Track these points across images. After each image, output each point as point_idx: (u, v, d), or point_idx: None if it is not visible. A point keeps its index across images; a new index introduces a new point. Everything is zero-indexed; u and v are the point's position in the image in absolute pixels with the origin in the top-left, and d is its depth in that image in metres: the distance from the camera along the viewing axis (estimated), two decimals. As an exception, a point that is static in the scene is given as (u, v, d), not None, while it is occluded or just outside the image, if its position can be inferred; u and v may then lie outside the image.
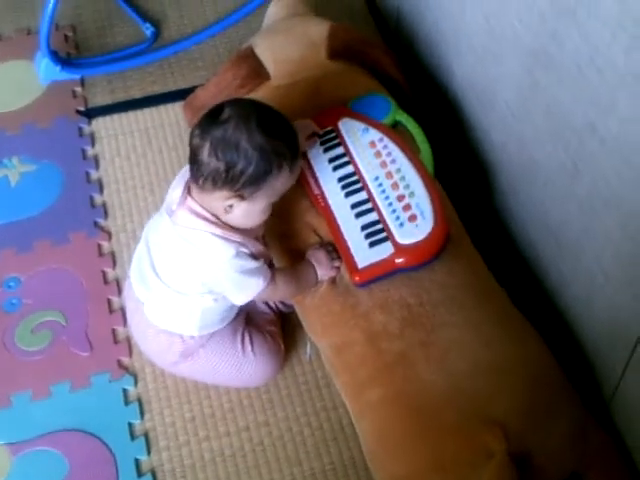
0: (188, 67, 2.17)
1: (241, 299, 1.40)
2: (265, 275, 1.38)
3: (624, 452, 1.41)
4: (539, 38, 1.39)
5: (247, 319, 1.58)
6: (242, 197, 1.33)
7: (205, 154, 1.31)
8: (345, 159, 1.53)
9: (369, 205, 1.46)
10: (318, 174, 1.52)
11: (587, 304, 1.42)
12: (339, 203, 1.47)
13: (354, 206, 1.46)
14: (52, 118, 2.04)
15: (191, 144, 1.34)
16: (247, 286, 1.38)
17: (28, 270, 1.76)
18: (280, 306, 1.65)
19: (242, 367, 1.53)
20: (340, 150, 1.54)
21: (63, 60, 2.08)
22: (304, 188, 1.51)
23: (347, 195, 1.48)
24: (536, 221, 1.56)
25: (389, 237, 1.42)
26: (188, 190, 1.39)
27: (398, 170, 1.49)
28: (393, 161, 1.50)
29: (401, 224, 1.42)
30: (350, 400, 1.44)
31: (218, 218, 1.36)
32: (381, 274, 1.40)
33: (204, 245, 1.36)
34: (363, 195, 1.47)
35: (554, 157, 1.42)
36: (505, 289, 1.47)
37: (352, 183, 1.49)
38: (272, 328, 1.61)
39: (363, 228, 1.44)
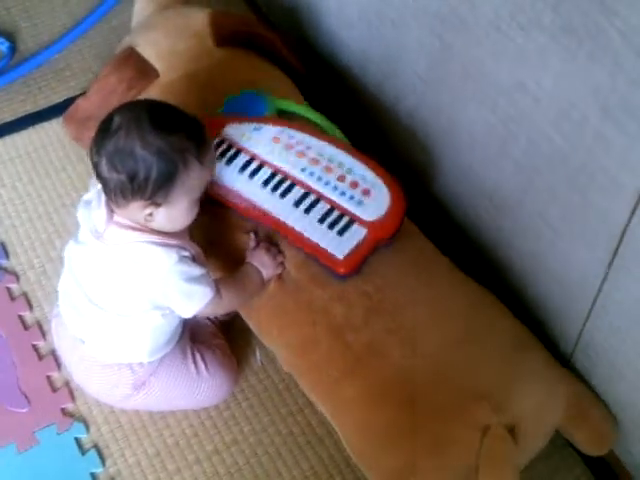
0: (56, 79, 2.02)
1: (190, 310, 1.32)
2: (211, 285, 1.31)
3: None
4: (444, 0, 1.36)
5: (192, 337, 1.50)
6: (157, 204, 1.25)
7: (105, 170, 1.24)
8: (256, 163, 1.45)
9: (313, 197, 1.40)
10: (236, 187, 1.43)
11: (537, 259, 1.43)
12: (278, 206, 1.40)
13: (297, 204, 1.40)
14: None
15: (91, 161, 1.27)
16: (194, 295, 1.30)
17: None
18: (220, 316, 1.58)
19: (198, 388, 1.46)
20: (244, 157, 1.45)
21: None
22: (227, 208, 1.43)
23: (282, 196, 1.41)
24: (465, 184, 1.55)
25: (354, 219, 1.37)
26: (110, 208, 1.30)
27: (321, 154, 1.44)
28: (309, 147, 1.45)
29: (359, 202, 1.38)
30: (323, 399, 1.39)
31: (147, 227, 1.29)
32: (364, 257, 1.35)
33: (144, 257, 1.28)
34: (299, 190, 1.41)
35: (479, 119, 1.41)
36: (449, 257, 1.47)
37: (280, 183, 1.42)
38: (219, 341, 1.54)
39: (321, 220, 1.38)
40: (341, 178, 1.41)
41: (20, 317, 1.63)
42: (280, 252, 1.40)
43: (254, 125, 1.48)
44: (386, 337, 1.33)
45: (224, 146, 1.47)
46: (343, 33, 1.76)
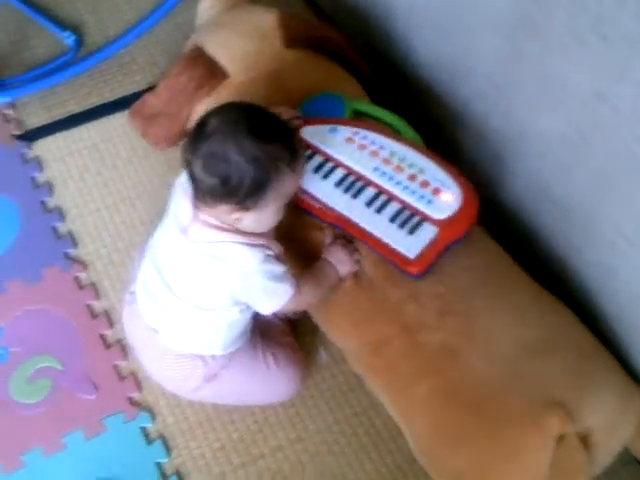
0: (121, 72, 2.04)
1: (270, 307, 1.34)
2: (292, 282, 1.33)
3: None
4: (519, 6, 1.36)
5: (262, 334, 1.51)
6: (246, 208, 1.26)
7: (198, 170, 1.25)
8: (330, 164, 1.46)
9: (384, 197, 1.41)
10: (309, 189, 1.44)
11: (610, 271, 1.43)
12: (351, 207, 1.41)
13: (369, 204, 1.41)
14: (-13, 148, 1.89)
15: (183, 160, 1.28)
16: (277, 293, 1.32)
17: (6, 315, 1.63)
18: (289, 314, 1.59)
19: (268, 383, 1.48)
20: (319, 158, 1.47)
21: (-9, 83, 1.92)
22: (302, 208, 1.44)
23: (354, 196, 1.42)
24: (535, 192, 1.55)
25: (425, 218, 1.38)
26: (196, 205, 1.31)
27: (393, 154, 1.45)
28: (382, 148, 1.46)
29: (429, 201, 1.39)
30: (394, 398, 1.40)
31: (233, 227, 1.30)
32: (436, 257, 1.36)
33: (230, 256, 1.29)
34: (372, 190, 1.42)
35: (553, 127, 1.41)
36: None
37: (352, 183, 1.44)
38: (288, 339, 1.55)
39: (392, 220, 1.39)
40: (412, 177, 1.42)
41: (88, 306, 1.65)
42: (356, 250, 1.41)
43: (329, 126, 1.50)
44: (460, 339, 1.34)
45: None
46: (412, 37, 1.77)
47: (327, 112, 1.54)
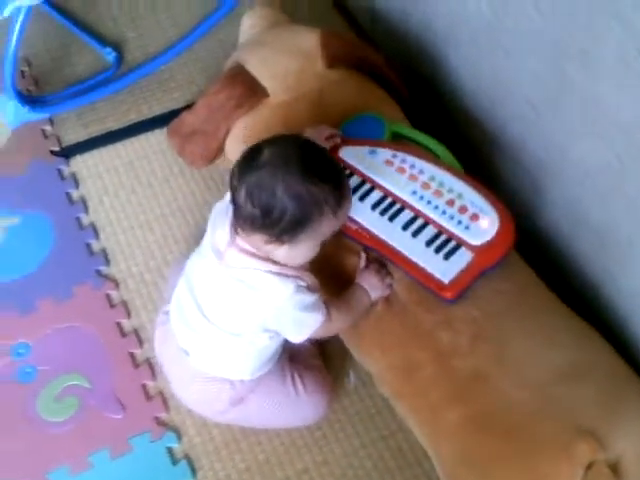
0: (160, 90, 2.05)
1: (300, 337, 1.34)
2: (322, 310, 1.32)
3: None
4: (567, 30, 1.34)
5: (290, 357, 1.50)
6: (282, 242, 1.25)
7: (242, 198, 1.24)
8: (367, 186, 1.46)
9: (421, 221, 1.40)
10: None
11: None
12: (387, 229, 1.41)
13: (405, 227, 1.40)
14: (26, 163, 1.90)
15: (230, 184, 1.28)
16: (306, 323, 1.32)
17: (36, 333, 1.63)
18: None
19: (295, 407, 1.47)
20: (357, 179, 1.47)
21: (30, 99, 1.94)
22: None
23: (391, 219, 1.41)
24: (572, 219, 1.52)
25: (461, 243, 1.37)
26: (235, 229, 1.31)
27: (432, 178, 1.45)
28: (421, 172, 1.46)
29: (466, 227, 1.38)
30: (423, 424, 1.39)
31: (267, 256, 1.29)
32: (471, 282, 1.35)
33: (262, 285, 1.28)
34: (408, 214, 1.41)
35: (594, 154, 1.38)
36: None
37: (389, 206, 1.43)
38: (316, 362, 1.54)
39: (428, 244, 1.38)
40: (450, 202, 1.40)
41: (118, 324, 1.65)
42: (389, 274, 1.40)
43: (369, 148, 1.49)
44: (492, 365, 1.32)
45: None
46: (451, 57, 1.75)
47: (367, 133, 1.53)
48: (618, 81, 1.26)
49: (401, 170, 1.46)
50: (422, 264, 1.37)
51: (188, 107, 1.76)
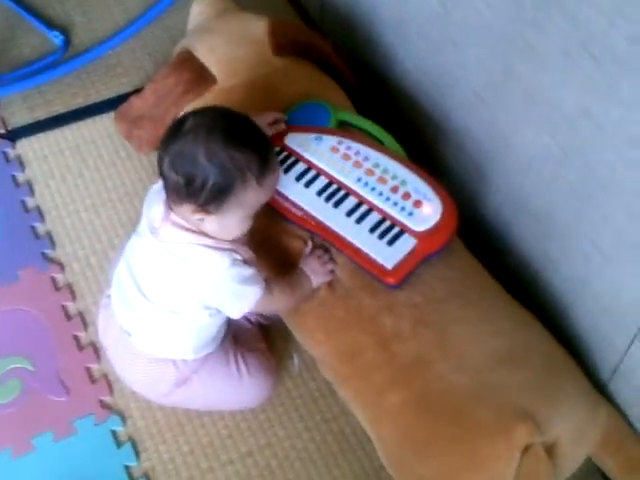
0: (108, 74, 2.04)
1: (239, 311, 1.34)
2: (261, 284, 1.33)
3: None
4: (514, 25, 1.36)
5: (234, 339, 1.51)
6: (207, 211, 1.27)
7: (166, 167, 1.26)
8: (313, 172, 1.47)
9: (365, 207, 1.42)
10: (291, 196, 1.45)
11: (583, 285, 1.43)
12: (331, 215, 1.42)
13: (350, 213, 1.42)
14: (-31, 146, 1.88)
15: (157, 154, 1.29)
16: (245, 295, 1.32)
17: (-21, 316, 1.62)
18: (262, 320, 1.59)
19: (239, 389, 1.47)
20: (302, 166, 1.48)
21: (-27, 82, 1.92)
22: (282, 215, 1.45)
23: (336, 205, 1.43)
24: (514, 206, 1.55)
25: (404, 229, 1.39)
26: (169, 205, 1.32)
27: (376, 165, 1.46)
28: (366, 159, 1.48)
29: (410, 213, 1.40)
30: (365, 407, 1.41)
31: (201, 230, 1.30)
32: (413, 268, 1.37)
33: (197, 259, 1.29)
34: (353, 200, 1.43)
35: (537, 142, 1.41)
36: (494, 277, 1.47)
37: (334, 192, 1.45)
38: (260, 345, 1.55)
39: (372, 230, 1.40)
40: (394, 189, 1.43)
41: (63, 307, 1.64)
42: (332, 259, 1.41)
43: (315, 135, 1.51)
44: (433, 350, 1.34)
45: (284, 154, 1.49)
46: (399, 47, 1.77)
47: (312, 121, 1.54)
48: (562, 74, 1.29)
49: (346, 157, 1.48)
50: (366, 250, 1.38)
51: (136, 92, 1.76)
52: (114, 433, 1.50)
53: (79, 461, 1.47)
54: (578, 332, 1.48)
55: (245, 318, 1.57)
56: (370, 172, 1.45)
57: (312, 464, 1.49)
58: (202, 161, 1.23)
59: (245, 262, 1.33)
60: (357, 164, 1.47)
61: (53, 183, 1.84)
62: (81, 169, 1.86)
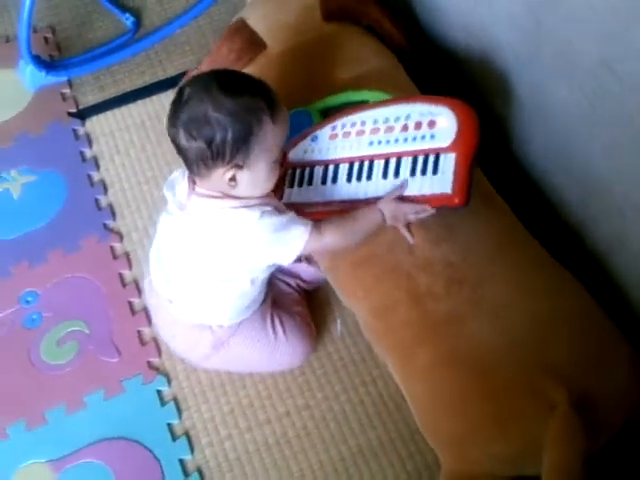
0: (175, 53, 2.11)
1: (290, 255, 1.34)
2: (304, 222, 1.34)
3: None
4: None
5: (273, 303, 1.54)
6: (238, 166, 1.29)
7: (183, 140, 1.29)
8: (332, 167, 1.46)
9: (393, 160, 1.40)
10: (329, 198, 1.45)
11: (619, 241, 1.38)
12: (372, 188, 1.41)
13: (384, 175, 1.40)
14: (44, 124, 1.98)
15: (169, 136, 1.33)
16: (288, 240, 1.33)
17: (44, 282, 1.72)
18: (303, 284, 1.62)
19: (275, 351, 1.51)
20: (320, 168, 1.47)
21: (47, 64, 2.02)
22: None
23: (369, 177, 1.42)
24: (557, 166, 1.52)
25: (438, 152, 1.36)
26: (192, 181, 1.36)
27: (375, 121, 1.45)
28: (363, 123, 1.46)
29: (431, 136, 1.38)
30: (396, 364, 1.42)
31: (228, 194, 1.33)
32: (469, 177, 1.33)
33: (228, 222, 1.32)
34: (379, 163, 1.42)
35: (570, 100, 1.38)
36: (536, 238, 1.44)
37: (360, 169, 1.43)
38: (299, 308, 1.58)
39: (412, 173, 1.37)
40: (404, 128, 1.41)
41: (120, 275, 1.72)
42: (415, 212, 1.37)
43: (309, 137, 1.50)
44: (465, 308, 1.34)
45: (298, 171, 1.49)
46: (447, 9, 1.75)
47: (298, 127, 1.52)
48: (582, 24, 1.25)
49: (346, 134, 1.47)
50: (420, 193, 1.36)
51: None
52: (159, 393, 1.57)
53: (126, 418, 1.54)
54: (619, 292, 1.43)
55: (285, 283, 1.60)
56: (375, 130, 1.44)
57: (347, 425, 1.50)
58: (214, 117, 1.25)
59: (277, 209, 1.35)
60: (359, 133, 1.45)
61: (118, 158, 1.92)
62: (144, 144, 1.93)
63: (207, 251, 1.37)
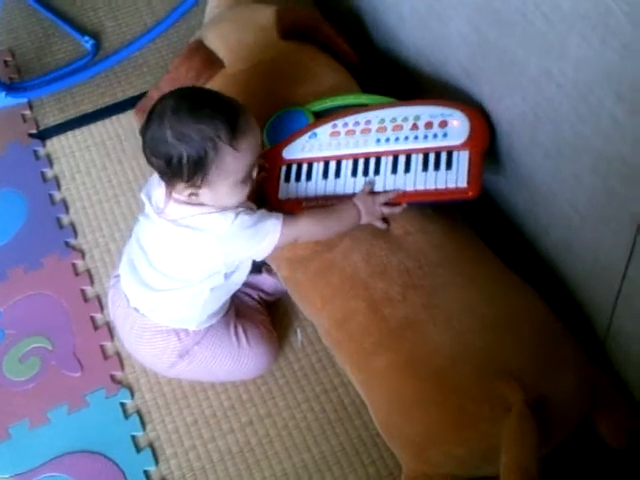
0: (134, 74, 2.14)
1: (267, 248, 1.39)
2: (275, 215, 1.39)
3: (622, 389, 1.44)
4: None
5: (237, 313, 1.57)
6: (196, 186, 1.33)
7: (148, 154, 1.35)
8: (333, 163, 1.49)
9: (403, 157, 1.44)
10: (331, 193, 1.48)
11: (567, 247, 1.43)
12: (379, 183, 1.45)
13: (393, 170, 1.44)
14: (5, 145, 2.00)
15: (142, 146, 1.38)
16: (264, 232, 1.38)
17: (6, 300, 1.73)
18: (264, 296, 1.65)
19: (239, 360, 1.53)
20: (319, 165, 1.50)
21: (7, 86, 2.05)
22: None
23: (376, 172, 1.46)
24: (505, 174, 1.56)
25: (451, 150, 1.41)
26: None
27: (382, 120, 1.49)
28: (368, 122, 1.51)
29: (444, 135, 1.43)
30: (356, 370, 1.45)
31: (201, 202, 1.37)
32: (481, 171, 1.40)
33: (203, 225, 1.36)
34: (388, 159, 1.45)
35: (514, 109, 1.43)
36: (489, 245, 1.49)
37: (366, 165, 1.47)
38: (262, 317, 1.61)
39: (424, 169, 1.42)
40: (414, 127, 1.46)
41: (82, 291, 1.74)
42: (395, 204, 1.43)
43: (307, 134, 1.53)
44: (421, 313, 1.37)
45: (294, 167, 1.52)
46: (398, 28, 1.80)
47: (293, 126, 1.56)
48: (522, 36, 1.30)
49: (350, 132, 1.51)
50: (433, 187, 1.41)
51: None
52: (123, 405, 1.58)
53: (90, 432, 1.55)
54: (570, 296, 1.48)
55: (248, 295, 1.63)
56: (382, 129, 1.48)
57: (309, 433, 1.53)
58: (171, 141, 1.30)
59: (251, 208, 1.40)
60: (365, 131, 1.49)
61: (79, 177, 1.94)
62: (105, 163, 1.96)
63: (180, 253, 1.41)
